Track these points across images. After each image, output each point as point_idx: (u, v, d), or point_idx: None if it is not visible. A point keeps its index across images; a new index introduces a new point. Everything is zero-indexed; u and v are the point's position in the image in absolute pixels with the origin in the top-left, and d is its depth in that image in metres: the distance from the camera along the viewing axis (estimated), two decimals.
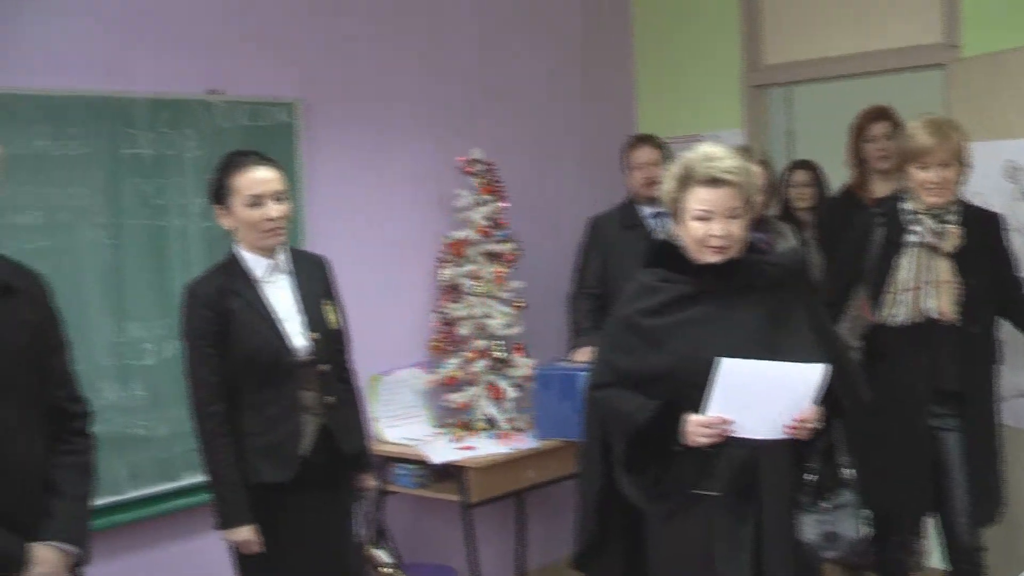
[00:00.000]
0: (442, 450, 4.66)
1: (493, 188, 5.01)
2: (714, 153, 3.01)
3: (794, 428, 2.93)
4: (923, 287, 3.89)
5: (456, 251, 4.97)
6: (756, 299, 3.02)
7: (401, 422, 4.91)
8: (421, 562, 4.89)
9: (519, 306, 5.01)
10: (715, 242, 2.97)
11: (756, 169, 4.25)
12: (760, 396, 2.89)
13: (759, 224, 4.35)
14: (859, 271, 4.06)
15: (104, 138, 3.98)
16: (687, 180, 2.99)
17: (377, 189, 4.91)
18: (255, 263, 3.38)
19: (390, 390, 4.91)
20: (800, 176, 5.94)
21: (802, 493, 3.02)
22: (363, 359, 4.65)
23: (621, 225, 4.95)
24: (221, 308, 3.30)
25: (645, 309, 3.06)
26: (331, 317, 3.49)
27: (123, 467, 4.02)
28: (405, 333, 5.01)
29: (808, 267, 3.70)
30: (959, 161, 3.90)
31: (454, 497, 4.58)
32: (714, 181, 2.95)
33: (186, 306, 3.34)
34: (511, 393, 4.94)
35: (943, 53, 5.06)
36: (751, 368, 2.86)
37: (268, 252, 3.39)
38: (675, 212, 3.06)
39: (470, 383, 4.93)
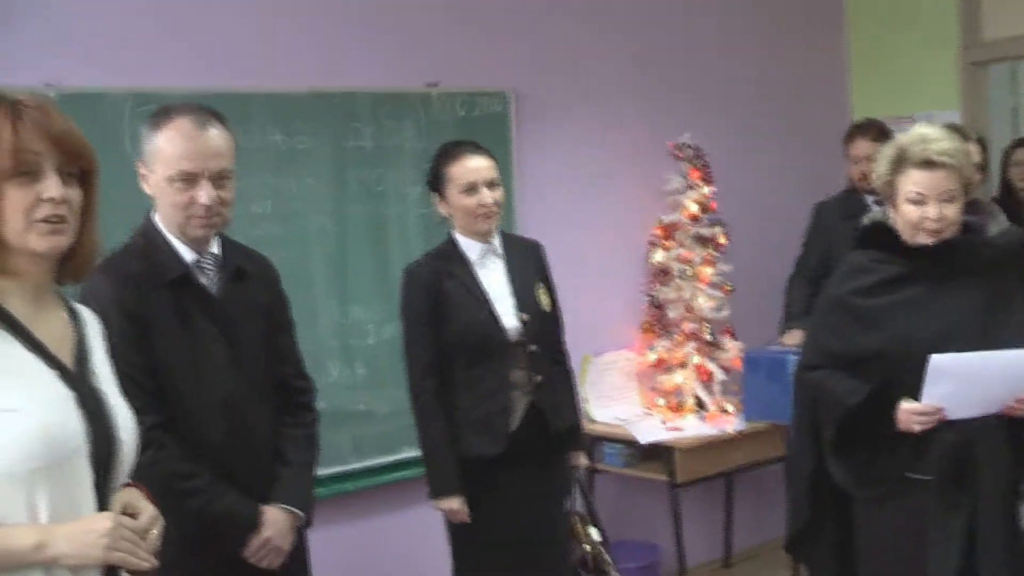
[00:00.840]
0: (650, 430, 4.76)
1: (703, 172, 5.05)
2: (930, 135, 2.96)
3: (1014, 408, 2.88)
4: None
5: (666, 235, 5.05)
6: (972, 282, 2.98)
7: (611, 402, 5.03)
8: (627, 540, 5.00)
9: (728, 289, 5.04)
10: (930, 225, 2.93)
11: (972, 147, 4.18)
12: (976, 385, 2.85)
13: (970, 205, 4.26)
14: None
15: (329, 131, 4.23)
16: (901, 162, 2.96)
17: (588, 174, 5.03)
18: (470, 247, 3.54)
19: (601, 370, 5.04)
20: (1023, 155, 5.76)
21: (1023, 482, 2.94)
22: (575, 340, 4.77)
23: (843, 214, 4.80)
24: (437, 289, 3.46)
25: (857, 289, 3.05)
26: (543, 299, 3.61)
27: (347, 440, 4.29)
28: (616, 315, 5.12)
29: None
30: None
31: (662, 477, 4.68)
32: (929, 164, 2.92)
33: (404, 287, 3.53)
34: (719, 375, 4.98)
35: None
36: (963, 361, 2.82)
37: (483, 237, 3.54)
38: (889, 195, 3.03)
39: (679, 365, 5.00)
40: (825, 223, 4.97)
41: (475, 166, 3.48)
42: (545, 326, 3.61)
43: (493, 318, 3.48)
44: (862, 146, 4.86)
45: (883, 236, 3.08)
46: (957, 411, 2.87)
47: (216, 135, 2.69)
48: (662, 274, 5.05)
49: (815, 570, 3.41)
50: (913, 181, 2.94)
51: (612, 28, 5.12)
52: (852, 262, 3.14)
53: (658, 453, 4.71)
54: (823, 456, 3.12)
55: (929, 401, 2.87)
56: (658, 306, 5.05)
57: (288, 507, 2.81)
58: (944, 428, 2.90)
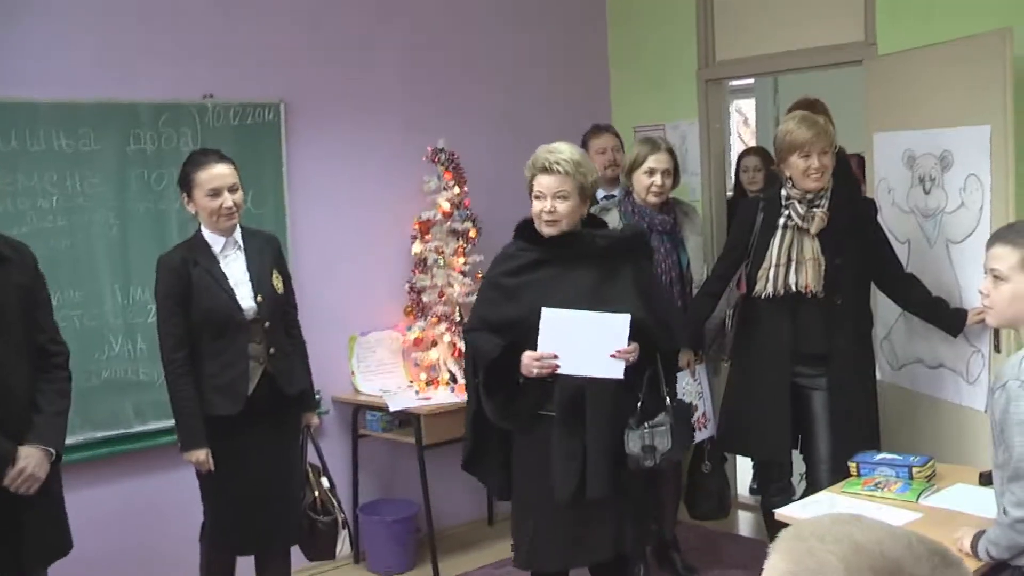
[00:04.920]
0: (402, 399, 5.43)
1: (455, 174, 5.74)
2: (557, 148, 3.85)
3: (618, 355, 3.72)
4: (791, 263, 4.47)
5: (424, 229, 5.73)
6: (590, 265, 3.85)
7: (377, 376, 5.69)
8: (390, 498, 5.72)
9: (479, 277, 5.71)
10: (546, 217, 3.80)
11: (663, 156, 4.92)
12: (578, 336, 3.71)
13: (665, 205, 5.02)
14: (745, 249, 4.68)
15: (112, 137, 4.81)
16: (533, 167, 3.84)
17: (355, 176, 5.66)
18: (214, 240, 4.18)
19: (367, 348, 5.70)
20: (750, 161, 6.58)
21: (631, 415, 3.81)
22: (344, 321, 5.46)
23: None
24: (185, 275, 4.09)
25: (505, 271, 3.93)
26: (277, 284, 4.28)
27: (129, 406, 4.90)
28: (382, 300, 5.77)
29: (645, 239, 4.32)
30: (832, 148, 4.45)
31: (411, 440, 5.35)
32: (547, 169, 3.79)
33: (157, 273, 4.16)
34: None
35: (862, 50, 5.53)
36: (567, 315, 3.71)
37: (225, 232, 4.19)
38: (529, 193, 3.88)
39: (434, 343, 5.70)
40: None
41: (218, 172, 4.10)
42: (278, 307, 4.27)
43: (233, 300, 4.12)
44: (605, 139, 5.66)
45: (529, 230, 3.92)
46: (569, 365, 3.73)
47: None
48: (421, 263, 5.73)
49: (486, 482, 4.33)
50: (538, 182, 3.82)
51: (375, 44, 5.72)
52: (505, 251, 4.01)
53: (409, 420, 5.39)
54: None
55: (542, 348, 3.73)
56: (418, 291, 5.73)
57: (40, 445, 3.47)
58: (564, 378, 3.76)
